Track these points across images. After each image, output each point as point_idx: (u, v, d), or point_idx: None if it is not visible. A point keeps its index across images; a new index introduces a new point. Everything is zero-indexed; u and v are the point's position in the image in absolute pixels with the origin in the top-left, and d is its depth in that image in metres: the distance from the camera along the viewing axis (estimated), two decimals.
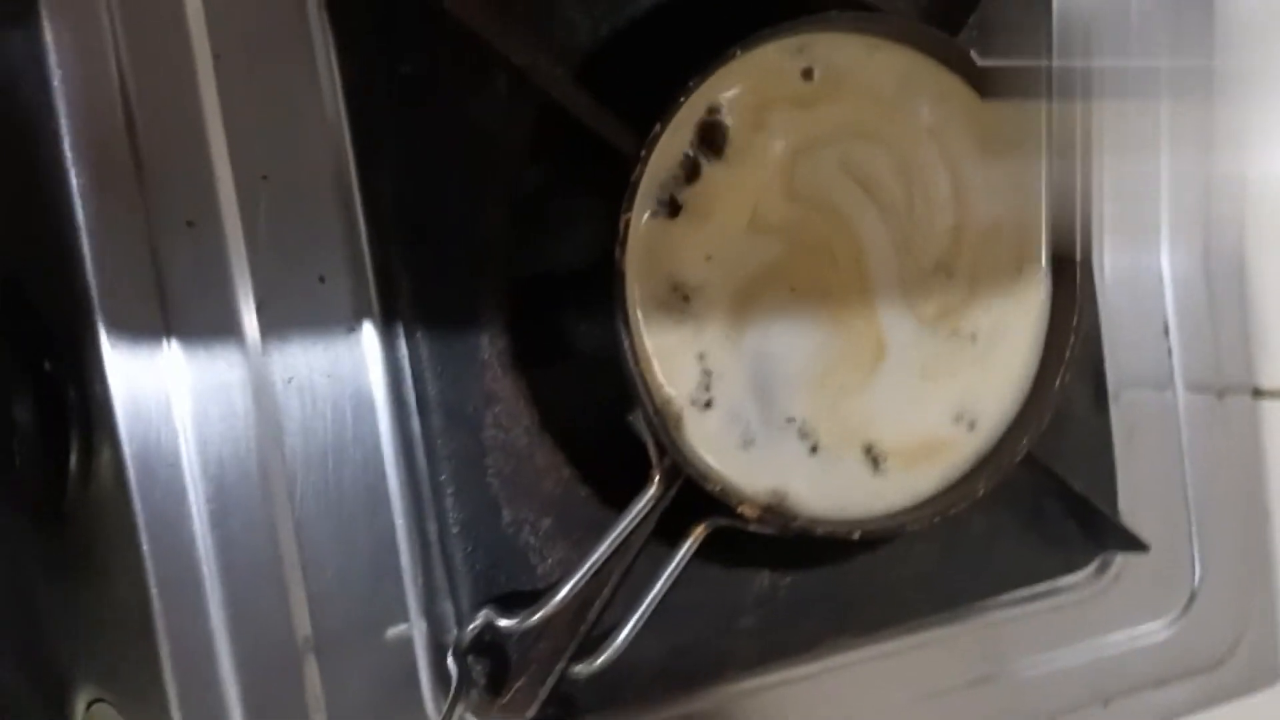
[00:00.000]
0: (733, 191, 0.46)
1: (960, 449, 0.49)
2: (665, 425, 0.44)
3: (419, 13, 0.45)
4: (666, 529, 0.49)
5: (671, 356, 0.45)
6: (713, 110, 0.46)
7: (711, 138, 0.46)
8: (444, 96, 0.47)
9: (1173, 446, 0.65)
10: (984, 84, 0.49)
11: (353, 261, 0.47)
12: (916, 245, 0.49)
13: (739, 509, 0.44)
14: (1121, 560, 0.63)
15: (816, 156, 0.47)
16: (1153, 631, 0.65)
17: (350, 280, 0.47)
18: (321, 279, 0.47)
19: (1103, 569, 0.63)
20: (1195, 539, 0.66)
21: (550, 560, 0.49)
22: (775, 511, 0.46)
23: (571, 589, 0.46)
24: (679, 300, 0.46)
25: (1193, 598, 0.65)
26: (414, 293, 0.47)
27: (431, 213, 0.47)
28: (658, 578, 0.47)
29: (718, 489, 0.44)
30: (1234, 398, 0.67)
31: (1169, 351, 0.66)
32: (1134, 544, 0.58)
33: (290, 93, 0.47)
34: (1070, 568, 0.61)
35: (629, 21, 0.48)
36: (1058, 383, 0.49)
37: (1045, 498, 0.58)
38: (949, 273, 0.49)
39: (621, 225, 0.42)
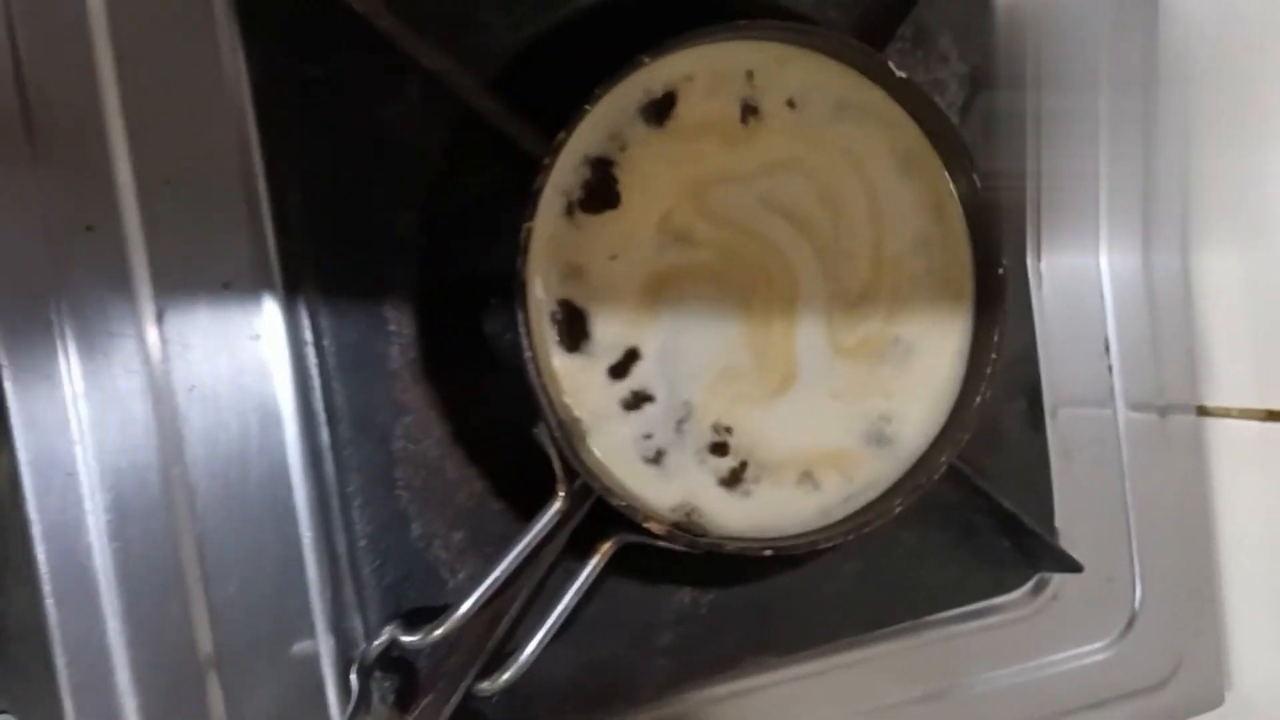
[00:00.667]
0: (643, 196, 0.46)
1: (875, 467, 0.49)
2: (569, 439, 0.43)
3: (329, 15, 0.45)
4: (581, 543, 0.48)
5: (578, 367, 0.45)
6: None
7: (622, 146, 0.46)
8: (355, 100, 0.47)
9: (1113, 465, 0.65)
10: (906, 98, 0.49)
11: (259, 268, 0.47)
12: (844, 273, 0.49)
13: (645, 525, 0.43)
14: (1059, 580, 0.62)
15: (728, 182, 0.47)
16: (1092, 652, 0.64)
17: (256, 287, 0.47)
18: (226, 285, 0.47)
19: (1039, 588, 0.63)
20: (1136, 559, 0.65)
21: (462, 575, 0.49)
22: (684, 528, 0.45)
23: (475, 604, 0.45)
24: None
25: (1133, 618, 0.65)
26: (322, 300, 0.47)
27: (341, 218, 0.47)
28: (567, 590, 0.46)
29: (623, 505, 0.43)
30: (1177, 416, 0.67)
31: (1109, 369, 0.65)
32: (1068, 564, 0.58)
33: (196, 94, 0.46)
34: (1003, 588, 0.61)
35: (547, 27, 0.48)
36: (978, 399, 0.49)
37: (977, 515, 0.58)
38: (872, 299, 0.49)
39: (523, 234, 0.41)
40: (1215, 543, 0.68)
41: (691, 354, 0.46)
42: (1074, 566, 0.58)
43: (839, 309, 0.49)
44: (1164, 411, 0.67)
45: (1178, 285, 0.67)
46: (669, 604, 0.52)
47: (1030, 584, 0.62)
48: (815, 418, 0.48)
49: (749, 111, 0.47)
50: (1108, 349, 0.65)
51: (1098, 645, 0.64)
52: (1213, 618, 0.67)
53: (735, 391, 0.47)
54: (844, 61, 0.47)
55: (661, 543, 0.45)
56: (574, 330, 0.45)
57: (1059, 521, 0.62)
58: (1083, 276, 0.65)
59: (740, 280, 0.48)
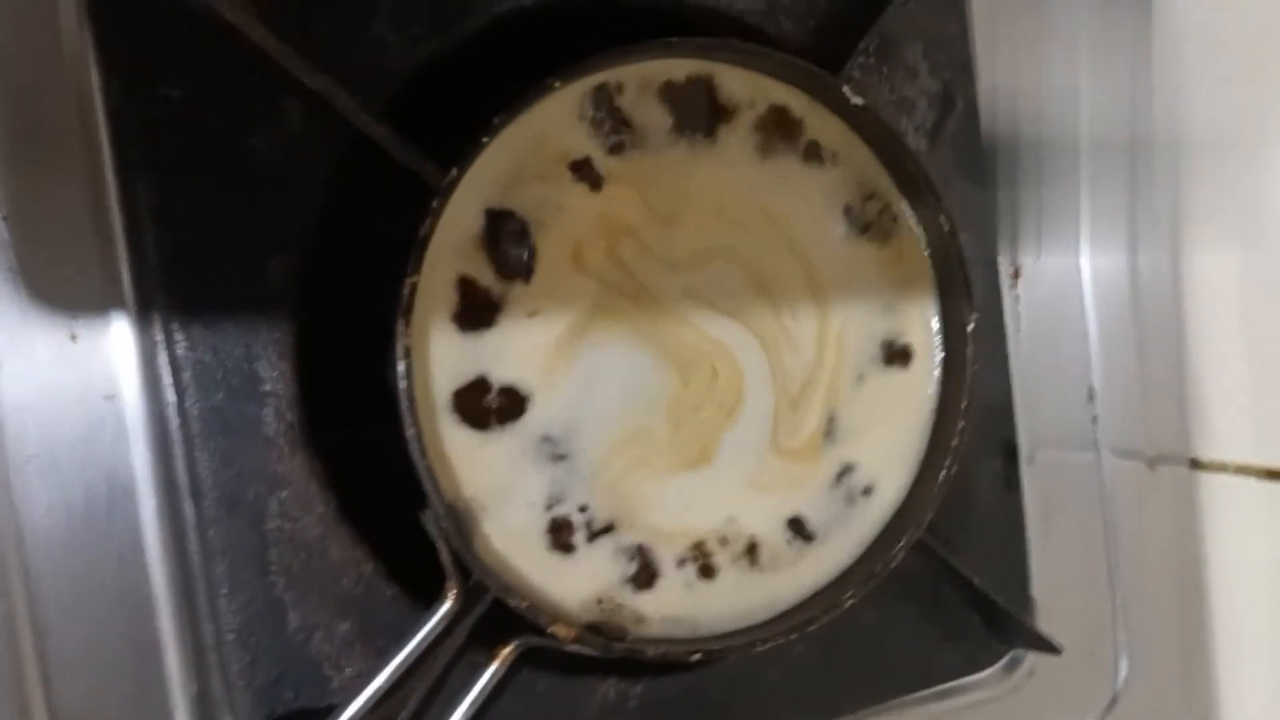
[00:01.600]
0: (557, 247, 0.40)
1: (825, 556, 0.44)
2: (459, 528, 0.38)
3: (194, 27, 0.40)
4: (491, 634, 0.43)
5: (474, 439, 0.39)
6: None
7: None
8: (224, 127, 0.42)
9: (1096, 525, 0.60)
10: (861, 125, 0.43)
11: (111, 317, 0.42)
12: (787, 366, 0.44)
13: (550, 630, 0.38)
14: (1035, 657, 0.57)
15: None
16: None
17: (108, 339, 0.42)
18: (73, 337, 0.41)
19: (1013, 665, 0.58)
20: (1120, 631, 0.60)
21: (349, 671, 0.44)
22: (599, 629, 0.40)
23: (362, 708, 0.40)
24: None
25: (1116, 698, 0.60)
26: (185, 355, 0.41)
27: (207, 262, 0.42)
28: (462, 699, 0.41)
29: (524, 605, 0.38)
30: (1167, 468, 0.62)
31: (1094, 418, 0.60)
32: (1045, 645, 0.53)
33: (42, 118, 0.41)
34: (974, 667, 0.56)
35: (450, 44, 0.43)
36: (943, 474, 0.43)
37: (944, 588, 0.52)
38: (816, 384, 0.44)
39: (405, 290, 0.36)
40: (1207, 613, 0.63)
41: (607, 428, 0.41)
42: (1051, 648, 0.53)
43: (783, 410, 0.44)
44: (1153, 463, 0.62)
45: (1170, 326, 0.62)
46: (591, 699, 0.46)
47: (1004, 660, 0.57)
48: (744, 504, 0.43)
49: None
50: (1092, 395, 0.60)
51: None
52: (1204, 697, 0.62)
53: (653, 470, 0.41)
54: (790, 84, 0.42)
55: (571, 648, 0.39)
56: (471, 398, 0.39)
57: (1036, 590, 0.58)
58: (1065, 313, 0.60)
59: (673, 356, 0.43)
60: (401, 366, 0.36)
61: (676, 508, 0.42)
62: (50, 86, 0.41)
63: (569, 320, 0.41)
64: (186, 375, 0.41)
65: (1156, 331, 0.61)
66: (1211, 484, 0.63)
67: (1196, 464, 0.63)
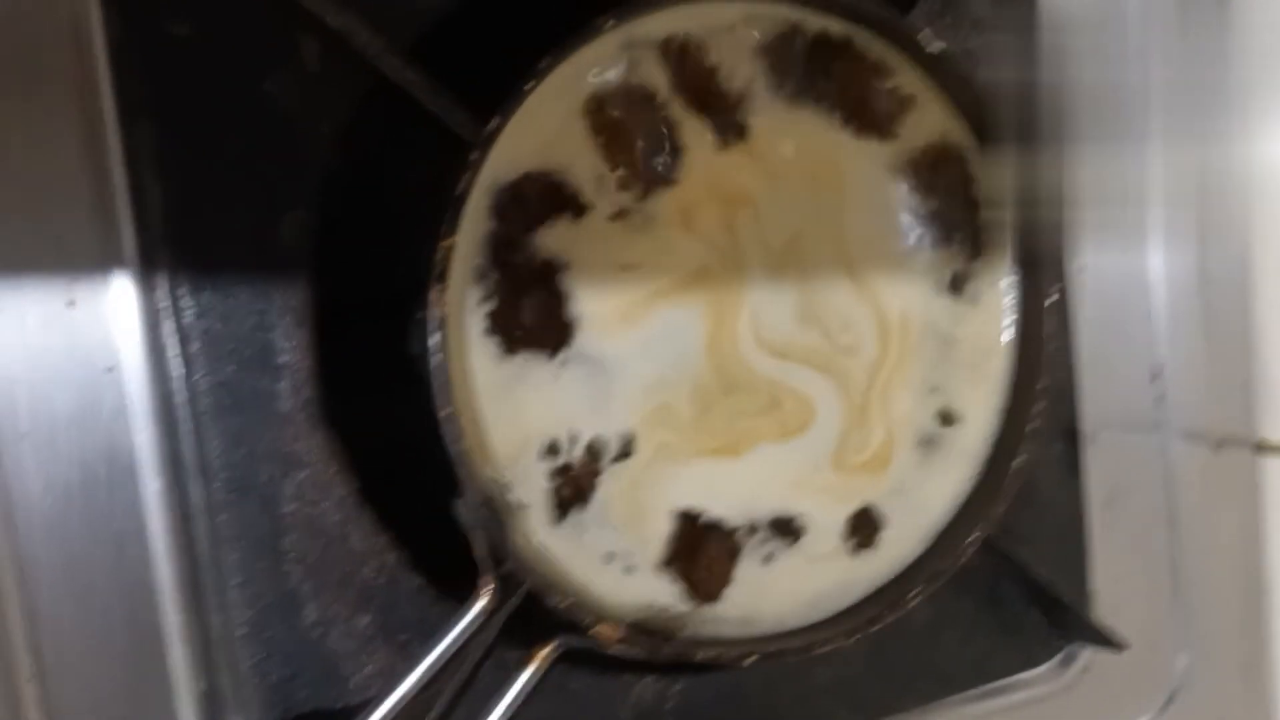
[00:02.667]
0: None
1: (888, 551, 0.41)
2: (497, 520, 0.34)
3: None
4: (522, 631, 0.40)
5: (515, 424, 0.36)
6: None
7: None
8: (234, 68, 0.39)
9: (1157, 511, 0.57)
10: (935, 73, 0.40)
11: (111, 280, 0.39)
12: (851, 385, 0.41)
13: (594, 631, 0.35)
14: (1091, 651, 0.54)
15: None
16: None
17: (108, 304, 0.39)
18: (70, 303, 0.38)
19: (1069, 661, 0.55)
20: (1180, 623, 0.57)
21: (368, 669, 0.41)
22: (645, 630, 0.36)
23: (388, 713, 0.37)
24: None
25: (1175, 693, 0.57)
26: (193, 320, 0.39)
27: (216, 219, 0.39)
28: (497, 702, 0.38)
29: (565, 604, 0.34)
30: (1231, 451, 0.59)
31: (1158, 399, 0.57)
32: (1108, 640, 0.50)
33: (31, 56, 0.37)
34: (1030, 663, 0.53)
35: None
36: (1015, 461, 0.40)
37: (1003, 582, 0.50)
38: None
39: (439, 255, 0.32)
40: (1270, 604, 0.60)
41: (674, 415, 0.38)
42: (1114, 644, 0.50)
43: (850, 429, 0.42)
44: (1218, 445, 0.59)
45: (1236, 304, 0.58)
46: (627, 699, 0.44)
47: (1059, 656, 0.54)
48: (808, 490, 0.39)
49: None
50: (1156, 375, 0.57)
51: None
52: (1264, 692, 0.59)
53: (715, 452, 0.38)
54: (863, 26, 0.38)
55: (615, 650, 0.36)
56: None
57: (1096, 583, 0.54)
58: (1130, 292, 0.56)
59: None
60: (435, 339, 0.33)
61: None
62: (42, 19, 0.37)
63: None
64: (194, 345, 0.39)
65: (1223, 309, 0.58)
66: (1276, 467, 0.60)
67: (1263, 446, 0.60)
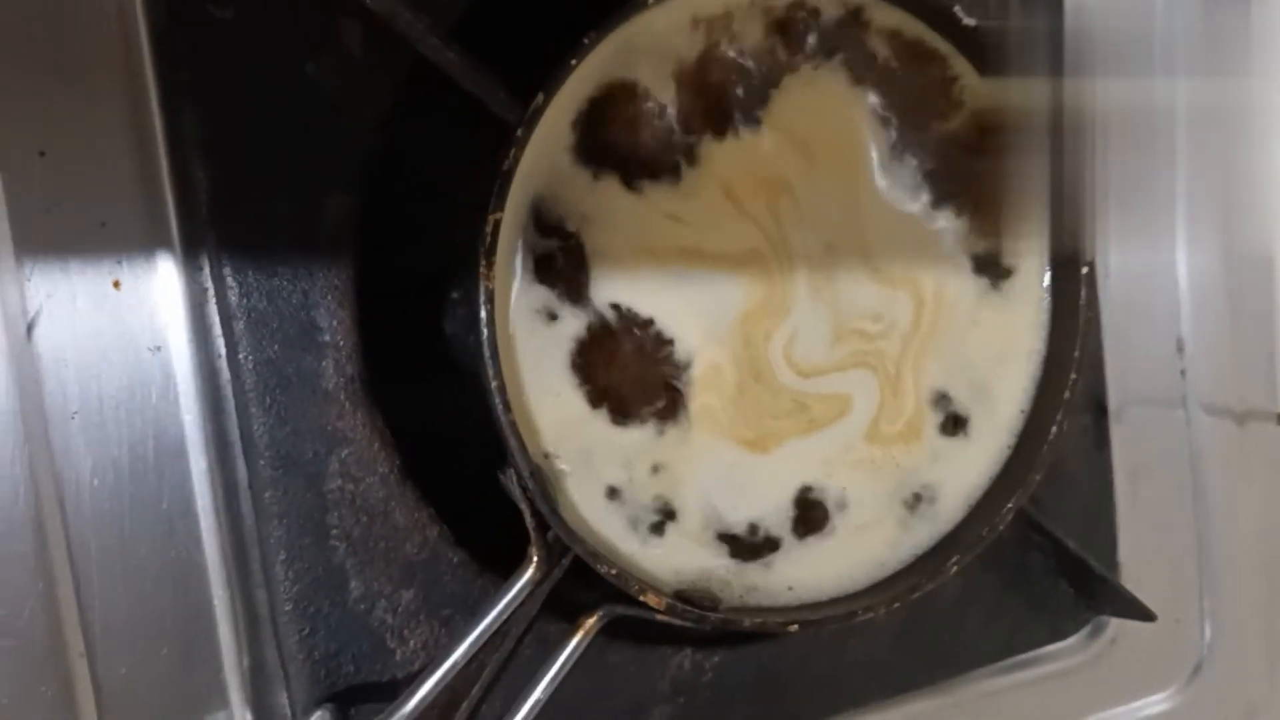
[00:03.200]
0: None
1: (921, 523, 0.41)
2: (544, 490, 0.35)
3: None
4: (559, 604, 0.40)
5: (560, 397, 0.37)
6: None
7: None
8: (276, 50, 0.39)
9: (1183, 484, 0.58)
10: (973, 53, 0.40)
11: (157, 261, 0.40)
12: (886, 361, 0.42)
13: (642, 598, 0.35)
14: (1117, 623, 0.55)
15: None
16: (1153, 704, 0.57)
17: (153, 285, 0.40)
18: (116, 284, 0.39)
19: (1096, 633, 0.55)
20: (1205, 595, 0.58)
21: (412, 644, 0.41)
22: (689, 599, 0.37)
23: (436, 684, 0.38)
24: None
25: (1200, 664, 0.58)
26: (237, 300, 0.39)
27: (259, 197, 0.39)
28: (544, 673, 0.38)
29: (613, 572, 0.35)
30: (1256, 425, 0.59)
31: (1182, 372, 0.57)
32: (1139, 611, 0.50)
33: (78, 41, 0.38)
34: (1058, 635, 0.53)
35: None
36: (1053, 430, 0.41)
37: (1032, 554, 0.50)
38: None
39: (489, 227, 0.33)
40: None
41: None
42: (1146, 614, 0.51)
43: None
44: (1242, 419, 0.59)
45: (1261, 278, 0.59)
46: (665, 671, 0.44)
47: (1087, 628, 0.55)
48: (851, 461, 0.40)
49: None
50: (1181, 348, 0.57)
51: (1160, 696, 0.57)
52: None
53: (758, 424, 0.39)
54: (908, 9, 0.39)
55: (662, 618, 0.37)
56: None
57: (1122, 555, 0.55)
58: (1155, 266, 0.57)
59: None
60: (485, 312, 0.33)
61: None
62: (86, 4, 0.38)
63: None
64: (238, 325, 0.39)
65: (1247, 283, 0.59)
66: None
67: None
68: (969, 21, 0.40)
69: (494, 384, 0.33)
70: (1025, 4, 0.49)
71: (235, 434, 0.40)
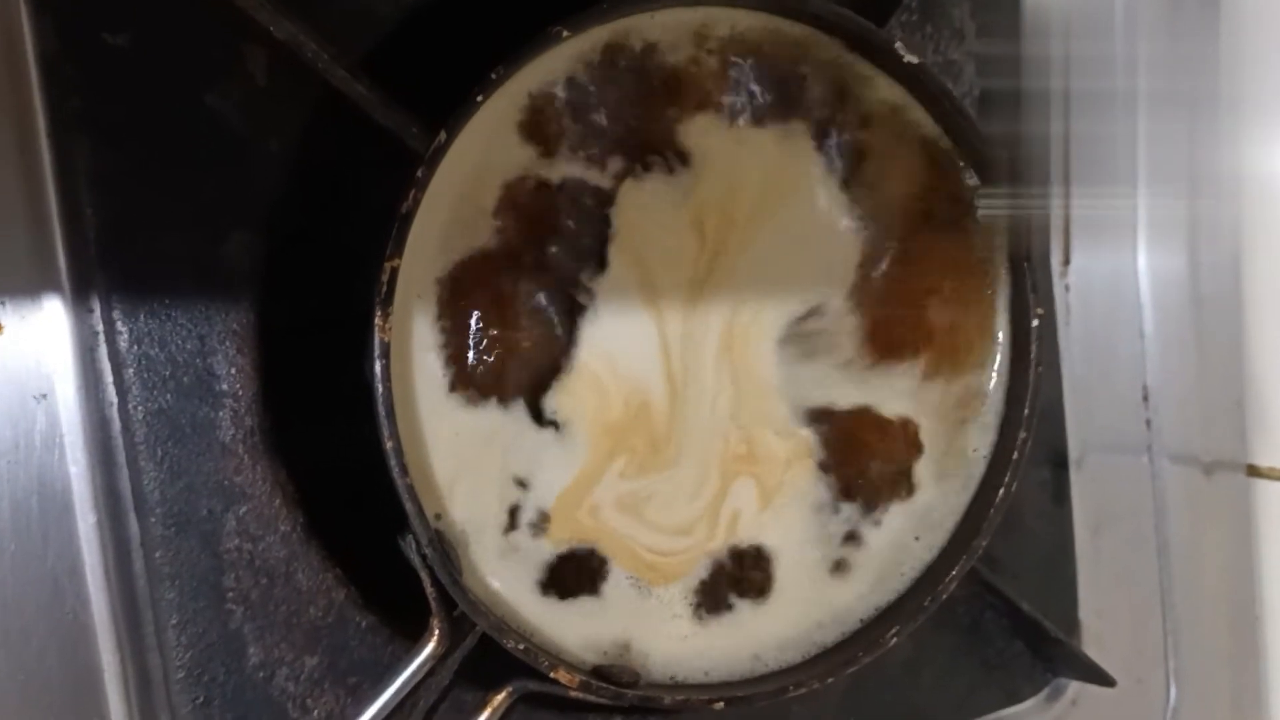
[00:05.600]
0: None
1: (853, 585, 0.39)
2: (445, 557, 0.32)
3: None
4: (476, 672, 0.38)
5: (466, 453, 0.34)
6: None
7: None
8: (174, 80, 0.37)
9: (1147, 538, 0.56)
10: (911, 84, 0.38)
11: (44, 303, 0.37)
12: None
13: (553, 674, 0.33)
14: (1078, 685, 0.52)
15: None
16: None
17: (40, 329, 0.37)
18: (0, 328, 0.36)
19: (1055, 695, 0.53)
20: (1170, 656, 0.55)
21: (316, 713, 0.39)
22: (606, 675, 0.34)
23: None
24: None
25: None
26: (128, 346, 0.37)
27: (154, 235, 0.37)
28: None
29: (521, 648, 0.32)
30: (1223, 475, 0.57)
31: (1147, 421, 0.55)
32: (1098, 676, 0.48)
33: None
34: (1015, 698, 0.51)
35: None
36: (1001, 493, 0.38)
37: (987, 614, 0.48)
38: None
39: (384, 275, 0.30)
40: (1262, 634, 0.58)
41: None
42: (1105, 679, 0.48)
43: None
44: (1209, 469, 0.57)
45: (1229, 322, 0.57)
46: None
47: (1045, 690, 0.52)
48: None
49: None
50: (1146, 396, 0.55)
51: None
52: None
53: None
54: (834, 35, 0.36)
55: (575, 694, 0.34)
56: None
57: (1083, 614, 0.53)
58: (1119, 311, 0.55)
59: None
60: (379, 366, 0.31)
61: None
62: None
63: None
64: (130, 372, 0.36)
65: (1215, 328, 0.57)
66: (1269, 492, 0.58)
67: (1254, 471, 0.58)
68: (911, 59, 0.37)
69: (389, 445, 0.31)
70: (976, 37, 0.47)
71: (126, 488, 0.37)
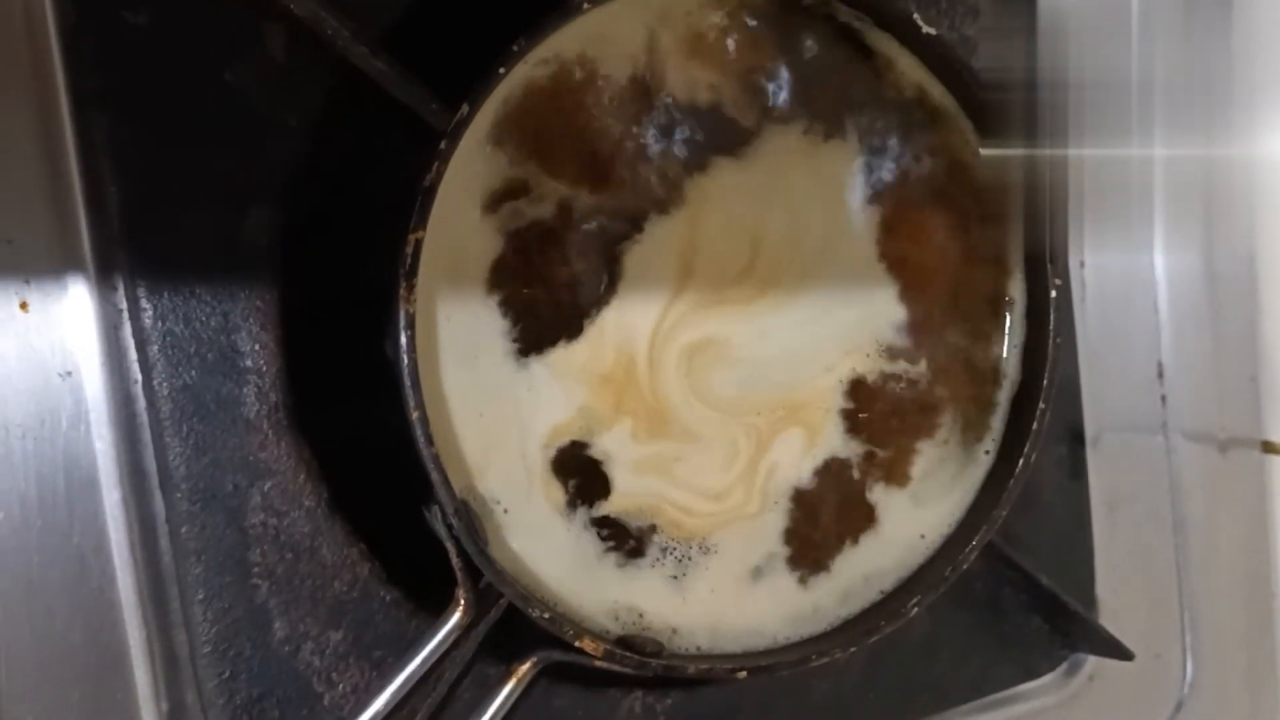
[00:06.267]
0: None
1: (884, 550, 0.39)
2: (471, 527, 0.33)
3: None
4: (500, 645, 0.38)
5: (491, 424, 0.34)
6: None
7: None
8: (195, 58, 0.37)
9: (1163, 514, 0.56)
10: (928, 56, 0.38)
11: (67, 281, 0.37)
12: None
13: (578, 644, 0.33)
14: (1095, 661, 0.53)
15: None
16: None
17: (64, 307, 0.37)
18: (24, 305, 0.36)
19: (1073, 671, 0.53)
20: (1187, 630, 0.55)
21: (341, 687, 0.39)
22: (630, 645, 0.35)
23: None
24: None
25: (1181, 703, 0.56)
26: (152, 323, 0.37)
27: (176, 212, 0.37)
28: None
29: (546, 617, 0.33)
30: (1238, 452, 0.57)
31: (1163, 398, 0.55)
32: (1116, 650, 0.48)
33: None
34: (1032, 674, 0.51)
35: None
36: (1021, 463, 0.38)
37: (1004, 590, 0.48)
38: None
39: (409, 247, 0.30)
40: (1277, 607, 0.58)
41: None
42: (1123, 653, 0.48)
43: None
44: (1224, 446, 0.57)
45: (1243, 301, 0.57)
46: (613, 716, 0.42)
47: (1063, 666, 0.52)
48: None
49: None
50: (1161, 373, 0.55)
51: None
52: (1272, 700, 0.57)
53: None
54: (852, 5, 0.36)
55: (600, 663, 0.34)
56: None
57: (1100, 590, 0.53)
58: (1134, 288, 0.55)
59: None
60: (404, 338, 0.31)
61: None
62: None
63: None
64: (154, 349, 0.36)
65: (1229, 305, 0.57)
66: None
67: (1269, 447, 0.58)
68: (929, 30, 0.37)
69: (415, 415, 0.31)
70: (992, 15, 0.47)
71: (151, 465, 0.37)
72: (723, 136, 0.38)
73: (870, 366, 0.40)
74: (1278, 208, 0.56)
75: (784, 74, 0.38)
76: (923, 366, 0.41)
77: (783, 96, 0.38)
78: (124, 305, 0.37)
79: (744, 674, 0.35)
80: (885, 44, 0.39)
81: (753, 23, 0.37)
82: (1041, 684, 0.53)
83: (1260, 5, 0.54)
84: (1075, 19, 0.52)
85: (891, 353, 0.40)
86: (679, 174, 0.37)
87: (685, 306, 0.38)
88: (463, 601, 0.34)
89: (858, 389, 0.40)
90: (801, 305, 0.39)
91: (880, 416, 0.40)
